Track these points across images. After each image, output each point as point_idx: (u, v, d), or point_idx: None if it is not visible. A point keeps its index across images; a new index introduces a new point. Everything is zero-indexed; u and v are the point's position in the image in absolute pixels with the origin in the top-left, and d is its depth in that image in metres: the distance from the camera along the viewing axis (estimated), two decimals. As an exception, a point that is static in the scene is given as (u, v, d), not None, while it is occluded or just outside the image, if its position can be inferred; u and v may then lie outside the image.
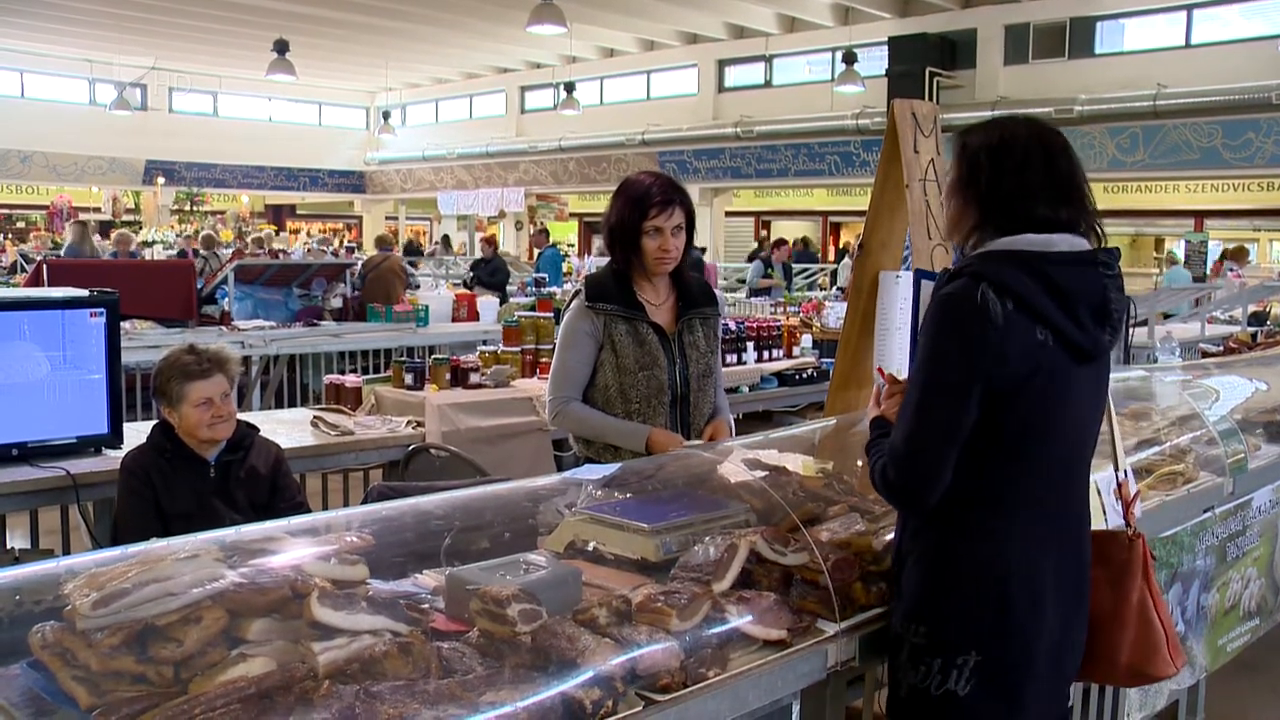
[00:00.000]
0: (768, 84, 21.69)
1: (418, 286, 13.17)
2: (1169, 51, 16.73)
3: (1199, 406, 4.04)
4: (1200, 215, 19.08)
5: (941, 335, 2.13)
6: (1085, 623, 2.31)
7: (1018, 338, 2.09)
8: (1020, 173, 2.16)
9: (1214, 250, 15.88)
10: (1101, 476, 2.65)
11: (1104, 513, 2.64)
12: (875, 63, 18.67)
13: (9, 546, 4.29)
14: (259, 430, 3.73)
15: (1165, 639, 2.37)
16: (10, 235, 23.03)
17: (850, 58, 18.00)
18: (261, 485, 3.60)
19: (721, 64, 22.33)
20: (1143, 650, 2.35)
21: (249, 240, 17.24)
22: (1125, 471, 2.61)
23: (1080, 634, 2.31)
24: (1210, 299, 11.52)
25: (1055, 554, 2.21)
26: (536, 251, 16.02)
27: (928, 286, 2.31)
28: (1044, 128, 2.24)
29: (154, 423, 3.63)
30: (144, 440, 3.58)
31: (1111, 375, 2.36)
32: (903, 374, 2.51)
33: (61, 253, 14.97)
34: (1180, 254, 15.76)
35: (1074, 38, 17.58)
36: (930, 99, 16.39)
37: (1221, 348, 8.64)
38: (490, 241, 16.32)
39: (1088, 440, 2.29)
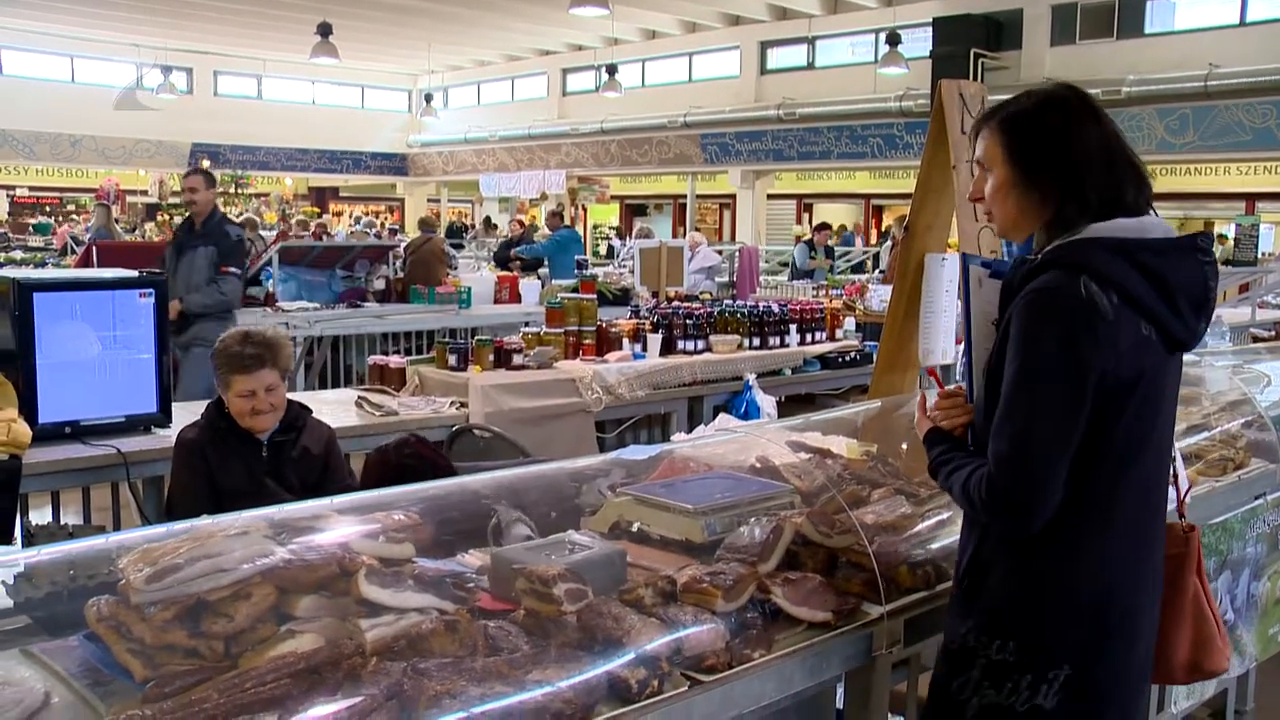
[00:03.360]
0: (810, 66, 21.51)
1: (455, 268, 13.17)
2: (1221, 30, 16.39)
3: (1250, 391, 3.97)
4: (1252, 198, 18.73)
5: (1046, 333, 1.89)
6: (1158, 623, 2.18)
7: (1127, 334, 1.90)
8: (1093, 150, 1.96)
9: (1266, 234, 15.55)
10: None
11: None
12: (919, 44, 18.44)
13: (63, 523, 4.37)
14: (311, 411, 3.70)
15: (1217, 631, 2.29)
16: (61, 218, 23.37)
17: (894, 39, 17.80)
18: (314, 465, 3.58)
19: (764, 46, 22.16)
20: (1200, 645, 2.26)
21: (293, 222, 17.37)
22: (1177, 457, 2.54)
23: (1155, 635, 2.17)
24: (1261, 283, 11.31)
25: (1149, 561, 2.08)
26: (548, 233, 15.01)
27: (978, 272, 2.18)
28: (1088, 96, 2.02)
29: (208, 401, 3.65)
30: (199, 417, 3.59)
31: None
32: (948, 358, 2.45)
33: (89, 235, 15.11)
34: (1231, 237, 15.48)
35: (1123, 17, 17.26)
36: (975, 80, 16.20)
37: (1273, 332, 8.51)
38: (521, 223, 16.19)
39: (1171, 436, 2.12)
